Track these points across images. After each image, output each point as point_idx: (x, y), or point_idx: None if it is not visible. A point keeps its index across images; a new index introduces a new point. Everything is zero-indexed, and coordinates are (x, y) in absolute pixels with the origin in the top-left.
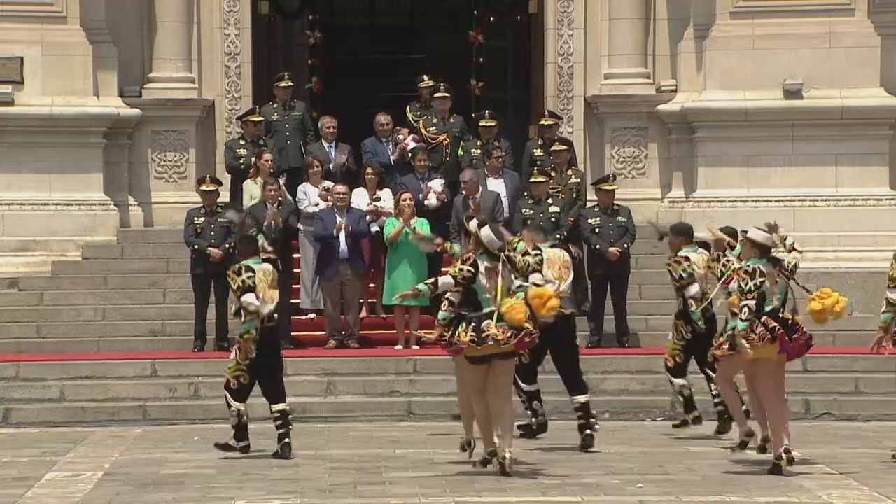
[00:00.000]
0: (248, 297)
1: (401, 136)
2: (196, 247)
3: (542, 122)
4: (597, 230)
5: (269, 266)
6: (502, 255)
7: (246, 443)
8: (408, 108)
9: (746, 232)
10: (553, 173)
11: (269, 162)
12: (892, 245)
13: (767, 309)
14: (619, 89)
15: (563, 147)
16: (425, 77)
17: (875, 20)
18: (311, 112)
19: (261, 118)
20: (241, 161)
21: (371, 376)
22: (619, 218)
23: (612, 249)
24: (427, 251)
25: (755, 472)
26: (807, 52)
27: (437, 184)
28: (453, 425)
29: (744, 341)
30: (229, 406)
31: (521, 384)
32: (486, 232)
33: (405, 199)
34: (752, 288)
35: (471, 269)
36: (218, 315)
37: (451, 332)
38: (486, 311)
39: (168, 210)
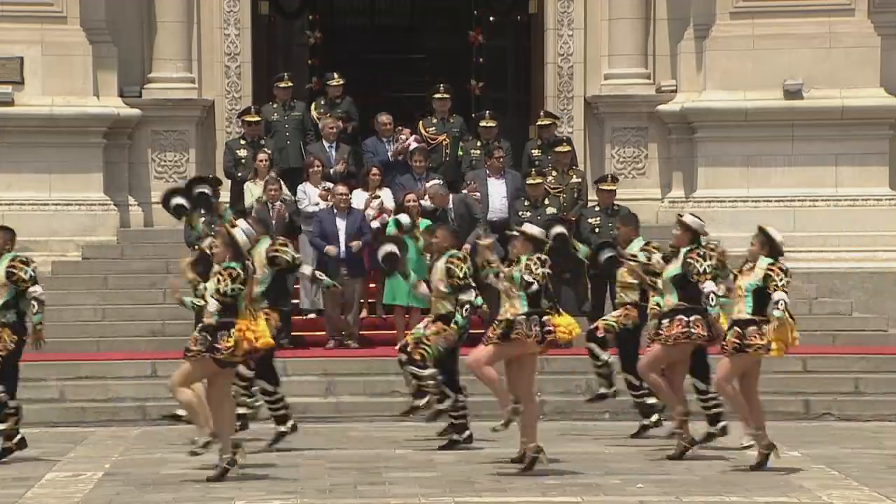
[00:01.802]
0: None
1: (402, 136)
2: (196, 247)
3: (540, 122)
4: (597, 230)
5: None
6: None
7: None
8: (313, 106)
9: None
10: (554, 172)
11: (264, 161)
12: (893, 245)
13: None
14: (619, 89)
15: (568, 148)
16: (335, 75)
17: (875, 20)
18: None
19: (258, 118)
20: (238, 171)
21: (371, 376)
22: None
23: None
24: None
25: (755, 472)
26: (807, 52)
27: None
28: None
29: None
30: None
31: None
32: (238, 233)
33: (410, 200)
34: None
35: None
36: None
37: None
38: None
39: None
